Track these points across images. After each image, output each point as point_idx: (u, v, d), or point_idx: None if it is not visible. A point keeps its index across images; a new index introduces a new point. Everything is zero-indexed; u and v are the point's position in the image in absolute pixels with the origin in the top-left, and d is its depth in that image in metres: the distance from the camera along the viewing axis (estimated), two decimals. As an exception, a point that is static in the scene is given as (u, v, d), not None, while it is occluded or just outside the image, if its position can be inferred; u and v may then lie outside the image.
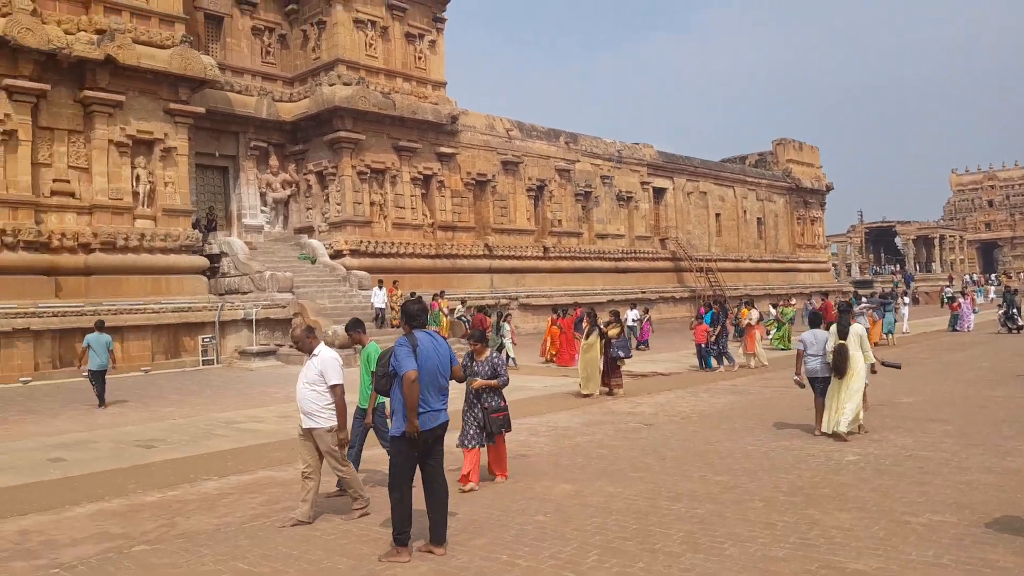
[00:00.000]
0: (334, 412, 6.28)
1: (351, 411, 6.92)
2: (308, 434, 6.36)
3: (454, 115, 28.52)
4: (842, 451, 8.81)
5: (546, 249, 32.09)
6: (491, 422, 7.34)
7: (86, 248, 20.11)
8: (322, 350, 6.34)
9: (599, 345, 13.30)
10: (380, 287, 22.43)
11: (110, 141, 20.63)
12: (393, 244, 26.49)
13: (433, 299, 22.46)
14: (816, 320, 10.58)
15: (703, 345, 17.67)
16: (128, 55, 20.35)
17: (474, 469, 7.35)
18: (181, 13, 22.34)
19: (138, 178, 21.26)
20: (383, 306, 22.20)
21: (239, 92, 25.48)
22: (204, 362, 20.93)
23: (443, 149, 28.54)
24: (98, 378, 14.17)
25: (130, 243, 20.58)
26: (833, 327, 9.68)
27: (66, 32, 19.67)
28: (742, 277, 43.10)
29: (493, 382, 7.42)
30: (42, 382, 17.96)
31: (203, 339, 21.06)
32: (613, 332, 13.63)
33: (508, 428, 7.61)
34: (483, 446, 7.53)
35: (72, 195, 20.19)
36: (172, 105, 21.73)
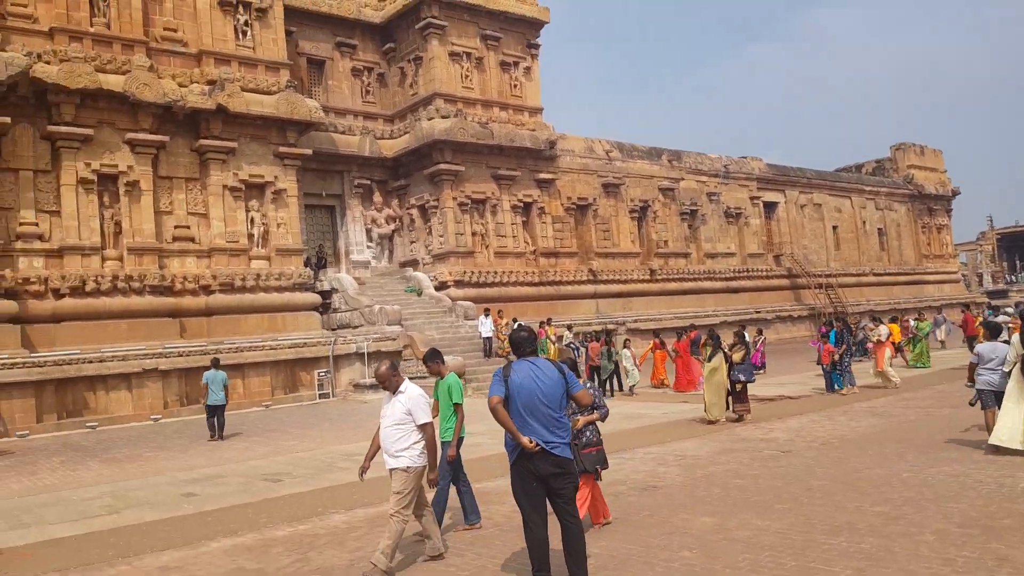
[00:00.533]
0: (417, 453, 5.91)
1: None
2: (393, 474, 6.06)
3: (552, 140, 28.42)
4: (1015, 476, 7.85)
5: (652, 272, 31.34)
6: (583, 459, 6.56)
7: (206, 290, 20.95)
8: (408, 387, 6.04)
9: (724, 368, 12.57)
10: (487, 316, 22.30)
11: (224, 186, 21.54)
12: (496, 273, 26.44)
13: (540, 326, 22.16)
14: (995, 330, 9.66)
15: (829, 366, 16.53)
16: (238, 103, 21.26)
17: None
18: (285, 59, 23.26)
19: (252, 220, 22.08)
20: (490, 335, 22.05)
21: (342, 132, 26.24)
22: (320, 396, 21.32)
23: (542, 175, 28.45)
24: (215, 412, 14.76)
25: (247, 283, 21.32)
26: (1016, 338, 8.81)
27: (180, 85, 20.74)
28: (864, 292, 40.81)
29: (593, 416, 6.73)
30: (171, 419, 18.67)
31: (319, 373, 21.48)
32: (737, 356, 12.89)
33: (604, 465, 6.89)
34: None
35: (192, 240, 21.13)
36: (281, 148, 22.53)
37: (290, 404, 20.79)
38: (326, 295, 23.88)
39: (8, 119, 17.94)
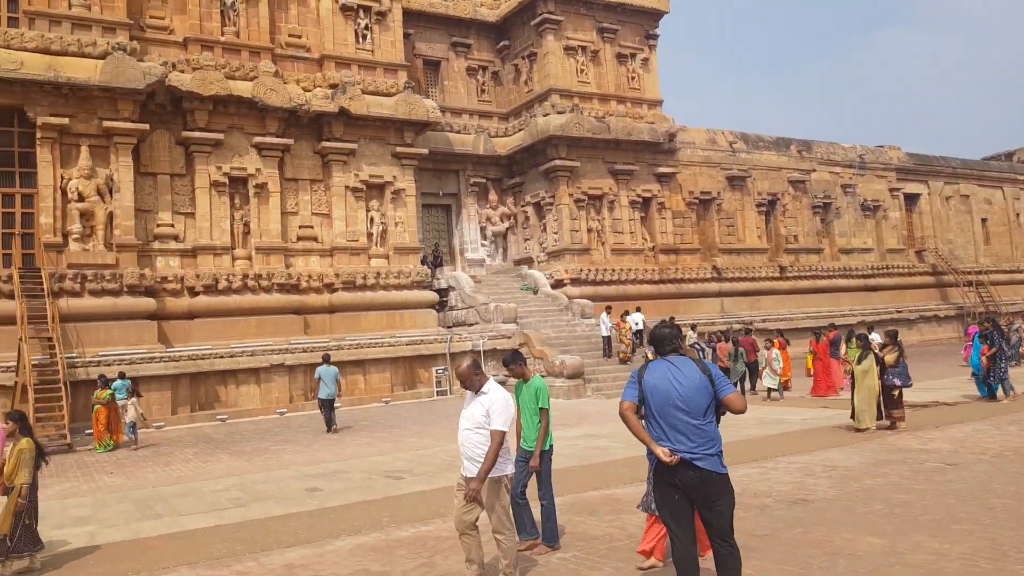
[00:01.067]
0: (501, 458, 5.33)
1: (514, 456, 5.96)
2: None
3: (671, 133, 27.40)
4: None
5: (782, 268, 29.66)
6: None
7: (329, 288, 21.38)
8: (492, 388, 5.44)
9: (875, 371, 11.41)
10: (607, 314, 21.61)
11: (346, 187, 21.93)
12: (613, 271, 25.71)
13: (661, 325, 21.29)
14: None
15: (983, 370, 14.77)
16: (359, 105, 21.58)
17: (659, 543, 5.76)
18: (403, 61, 23.46)
19: (371, 220, 22.39)
20: (610, 334, 21.34)
21: (458, 132, 26.26)
22: (438, 392, 21.33)
23: (661, 169, 27.47)
24: (327, 406, 15.46)
25: (367, 281, 21.61)
26: None
27: (304, 89, 21.27)
28: (1018, 290, 37.23)
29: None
30: (295, 413, 19.12)
31: (436, 370, 21.50)
32: (890, 357, 11.70)
33: None
34: None
35: (315, 239, 21.63)
36: (399, 149, 22.73)
37: (409, 400, 20.91)
38: (442, 293, 23.94)
39: (147, 126, 18.88)
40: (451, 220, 27.06)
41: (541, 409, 6.40)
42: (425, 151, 23.53)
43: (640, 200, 26.99)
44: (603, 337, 21.30)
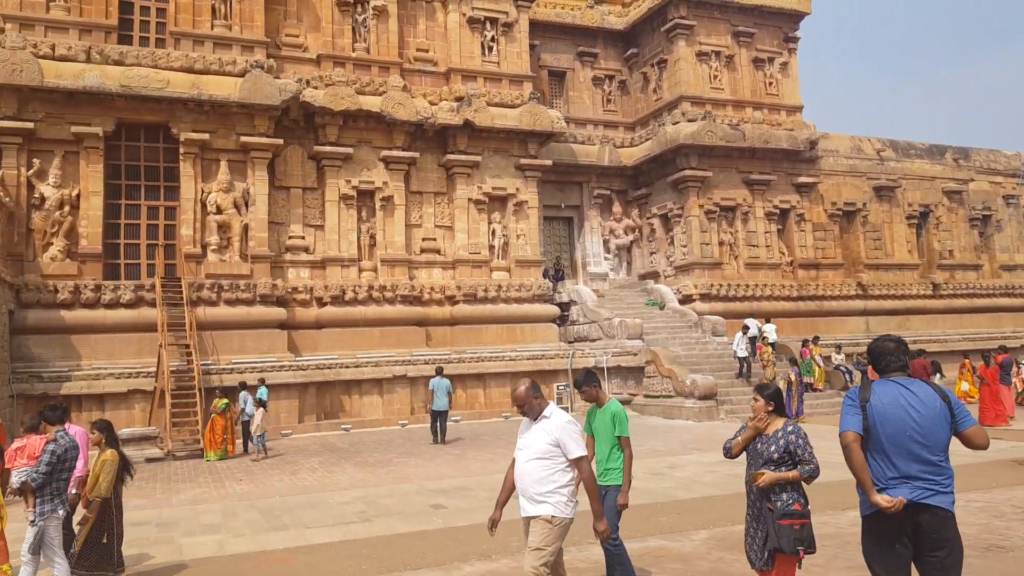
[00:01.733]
0: (565, 499, 4.54)
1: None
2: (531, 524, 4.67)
3: (812, 140, 25.69)
4: None
5: (935, 286, 27.13)
6: (778, 532, 4.61)
7: (451, 300, 21.19)
8: (554, 412, 4.70)
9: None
10: (744, 333, 20.23)
11: (469, 199, 21.74)
12: (747, 286, 24.24)
13: (803, 345, 19.74)
14: None
15: None
16: (483, 118, 21.38)
17: None
18: (528, 72, 23.13)
19: (493, 232, 22.09)
20: (746, 355, 19.90)
21: (582, 142, 25.65)
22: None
23: (801, 179, 25.78)
24: (440, 418, 15.64)
25: (488, 294, 21.27)
26: None
27: (430, 103, 21.30)
28: None
29: (788, 474, 4.67)
30: (416, 425, 18.90)
31: (557, 387, 20.81)
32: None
33: (809, 547, 4.67)
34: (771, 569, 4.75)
35: (438, 251, 21.54)
36: (522, 160, 22.37)
37: (530, 418, 20.28)
38: (564, 307, 23.28)
39: (281, 141, 19.36)
40: (573, 233, 26.42)
41: (620, 438, 5.62)
42: (549, 162, 23.06)
43: (777, 212, 25.40)
44: (739, 358, 19.87)
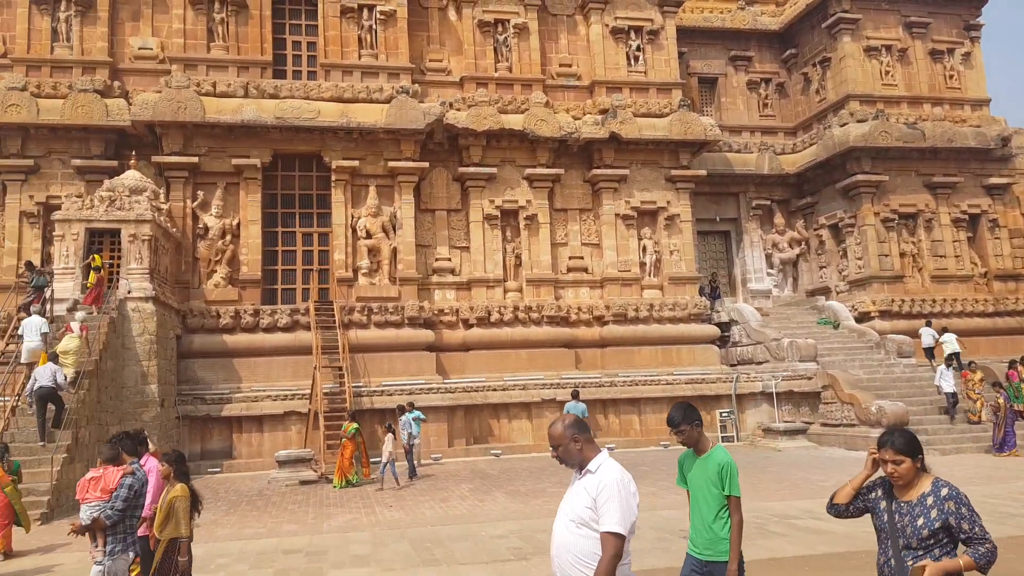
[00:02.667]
0: None
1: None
2: None
3: (1004, 136, 22.74)
4: None
5: None
6: None
7: (599, 320, 20.22)
8: (603, 465, 3.43)
9: None
10: (948, 367, 17.53)
11: (616, 215, 20.77)
12: (934, 301, 21.59)
13: (1010, 367, 17.12)
14: None
15: None
16: (630, 129, 20.43)
17: None
18: (678, 79, 21.97)
19: (644, 248, 20.97)
20: (954, 390, 16.91)
21: (737, 151, 24.05)
22: (723, 439, 19.00)
23: (993, 180, 22.87)
24: None
25: (639, 314, 20.12)
26: None
27: (574, 118, 20.63)
28: None
29: (958, 563, 3.23)
30: (568, 454, 17.99)
31: (720, 413, 19.25)
32: None
33: None
34: None
35: (585, 270, 20.67)
36: (673, 172, 21.16)
37: (688, 447, 18.83)
38: (723, 327, 21.64)
39: (426, 164, 19.29)
40: (730, 247, 24.74)
41: (730, 498, 4.27)
42: (702, 172, 21.69)
43: (966, 218, 22.60)
44: (945, 393, 16.94)
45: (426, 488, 13.47)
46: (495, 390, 18.28)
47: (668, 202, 21.12)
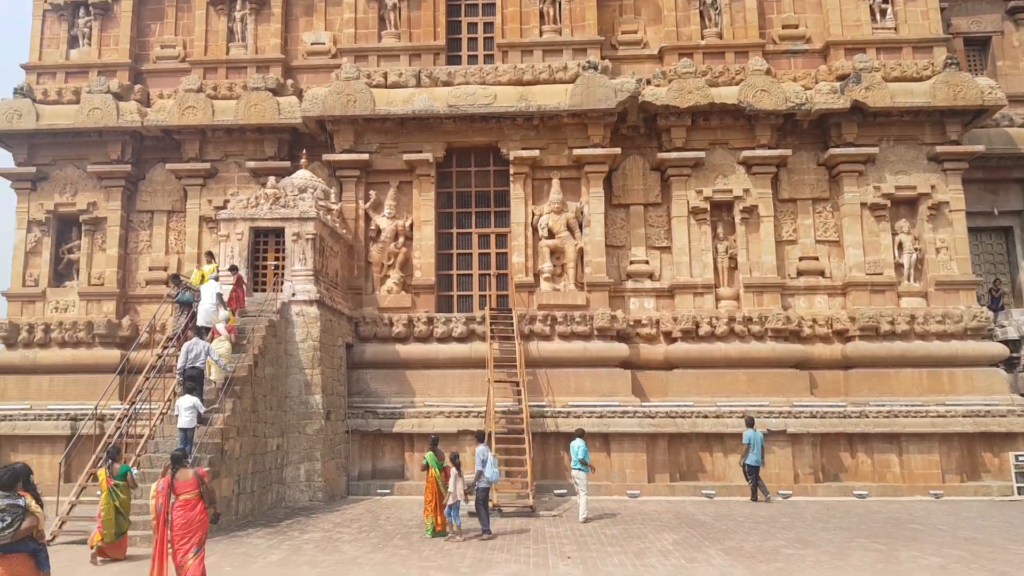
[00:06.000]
0: None
1: None
2: None
3: None
4: None
5: None
6: None
7: (841, 335, 16.07)
8: None
9: None
10: None
11: (862, 204, 16.63)
12: None
13: None
14: None
15: None
16: (878, 96, 16.29)
17: None
18: (940, 34, 17.42)
19: (900, 246, 16.60)
20: None
21: (1020, 126, 18.72)
22: (1020, 489, 14.05)
23: None
24: (753, 473, 13.57)
25: (896, 327, 15.70)
26: None
27: (804, 87, 16.88)
28: None
29: None
30: (804, 498, 14.08)
31: (1016, 457, 14.31)
32: None
33: None
34: None
35: (821, 274, 16.64)
36: (938, 149, 16.61)
37: (969, 496, 14.23)
38: (1012, 345, 16.51)
39: (619, 150, 16.52)
40: (1012, 247, 19.25)
41: None
42: (979, 148, 16.86)
43: None
44: None
45: (617, 535, 10.43)
46: (706, 417, 14.83)
47: (932, 187, 16.59)
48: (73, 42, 18.24)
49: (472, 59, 17.66)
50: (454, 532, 10.29)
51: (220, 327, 12.08)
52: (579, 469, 11.85)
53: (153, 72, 18.08)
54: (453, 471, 10.39)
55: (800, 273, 16.64)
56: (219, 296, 12.39)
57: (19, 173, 17.36)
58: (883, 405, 15.09)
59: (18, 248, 17.17)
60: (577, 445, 12.01)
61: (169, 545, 7.01)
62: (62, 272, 17.44)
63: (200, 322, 12.13)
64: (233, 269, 13.48)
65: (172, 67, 17.99)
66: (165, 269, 16.83)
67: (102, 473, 9.13)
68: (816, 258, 16.72)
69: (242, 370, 12.23)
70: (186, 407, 10.48)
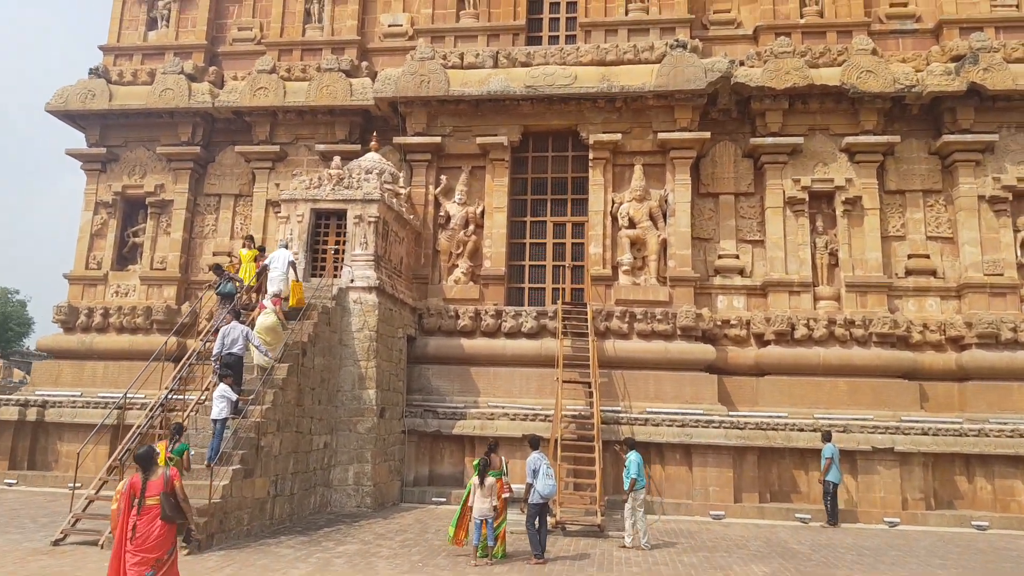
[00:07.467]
0: None
1: None
2: None
3: None
4: None
5: None
6: None
7: (956, 343, 14.35)
8: None
9: None
10: None
11: (980, 197, 14.90)
12: None
13: None
14: None
15: None
16: (999, 78, 14.58)
17: None
18: (1069, 8, 15.53)
19: (1022, 244, 14.76)
20: None
21: None
22: None
23: None
24: (835, 491, 12.39)
25: (1019, 335, 13.96)
26: None
27: (914, 69, 15.23)
28: None
29: None
30: (911, 527, 12.44)
31: None
32: None
33: None
34: None
35: (932, 273, 14.94)
36: (1067, 135, 14.73)
37: (1115, 537, 12.24)
38: None
39: (708, 135, 15.20)
40: None
41: None
42: (1117, 133, 14.90)
43: None
44: None
45: (696, 564, 9.14)
46: (802, 430, 13.34)
47: (1060, 179, 14.73)
48: (152, 24, 18.06)
49: (553, 40, 16.67)
50: (478, 554, 8.82)
51: (266, 301, 11.38)
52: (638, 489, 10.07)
53: (229, 54, 17.73)
54: (474, 481, 8.98)
55: (909, 272, 14.98)
56: (292, 264, 12.04)
57: (90, 154, 17.21)
58: (1005, 423, 13.33)
59: (83, 230, 16.99)
60: (632, 459, 10.17)
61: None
62: (126, 255, 17.19)
63: (271, 289, 11.78)
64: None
65: (248, 49, 17.60)
66: (229, 254, 16.34)
67: (162, 446, 8.44)
68: (927, 256, 15.03)
69: (287, 359, 11.40)
70: (218, 396, 9.75)
